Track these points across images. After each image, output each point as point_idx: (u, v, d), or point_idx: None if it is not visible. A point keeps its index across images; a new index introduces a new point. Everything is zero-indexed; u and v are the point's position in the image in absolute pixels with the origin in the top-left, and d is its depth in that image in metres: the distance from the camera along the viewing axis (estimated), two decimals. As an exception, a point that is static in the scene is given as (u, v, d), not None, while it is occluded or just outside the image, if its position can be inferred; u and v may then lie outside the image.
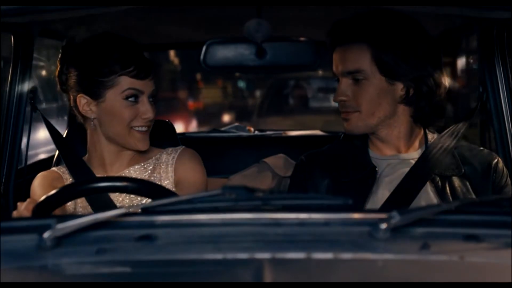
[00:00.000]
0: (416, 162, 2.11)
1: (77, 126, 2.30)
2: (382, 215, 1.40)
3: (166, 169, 2.20)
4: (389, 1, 1.93)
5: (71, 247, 1.37)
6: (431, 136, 2.20)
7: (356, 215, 1.45)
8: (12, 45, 2.49)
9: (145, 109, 2.12)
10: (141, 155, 2.22)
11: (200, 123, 12.90)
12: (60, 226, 1.37)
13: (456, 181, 2.11)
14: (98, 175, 2.18)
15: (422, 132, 2.19)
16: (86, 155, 2.25)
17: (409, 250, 1.34)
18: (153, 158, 2.23)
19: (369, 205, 2.07)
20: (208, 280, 1.24)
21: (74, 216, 1.80)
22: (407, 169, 2.10)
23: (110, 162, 2.20)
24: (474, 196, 2.09)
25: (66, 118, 3.28)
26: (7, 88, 2.51)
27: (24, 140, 2.53)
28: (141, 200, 2.12)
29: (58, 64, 2.19)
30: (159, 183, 2.16)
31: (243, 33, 2.10)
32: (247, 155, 3.12)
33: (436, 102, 2.12)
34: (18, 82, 2.51)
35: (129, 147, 2.17)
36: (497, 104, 2.39)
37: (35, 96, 2.49)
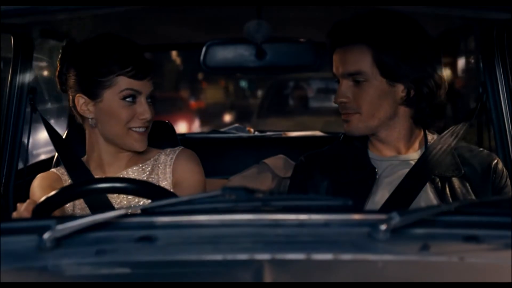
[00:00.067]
0: (416, 163, 2.11)
1: (77, 126, 2.30)
2: (382, 216, 1.40)
3: (164, 170, 2.20)
4: (389, 1, 1.93)
5: (71, 248, 1.37)
6: (431, 137, 2.20)
7: (356, 216, 1.45)
8: (12, 45, 2.49)
9: (143, 110, 2.12)
10: (139, 156, 2.22)
11: (202, 123, 12.93)
12: (60, 227, 1.37)
13: (456, 182, 2.11)
14: (96, 176, 2.18)
15: (422, 133, 2.19)
16: (85, 156, 2.25)
17: (409, 251, 1.34)
18: (152, 159, 2.23)
19: (369, 206, 2.07)
20: (208, 281, 1.24)
21: (74, 217, 1.79)
22: (406, 170, 2.10)
23: (108, 163, 2.20)
24: (474, 197, 2.09)
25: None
26: (7, 89, 2.51)
27: (24, 141, 2.54)
28: (138, 201, 2.12)
29: (58, 65, 2.20)
30: (157, 184, 2.15)
31: (243, 34, 2.10)
32: (247, 156, 3.12)
33: (436, 103, 2.12)
34: (18, 82, 2.51)
35: (126, 148, 2.17)
36: (497, 105, 2.39)
37: (34, 96, 2.49)
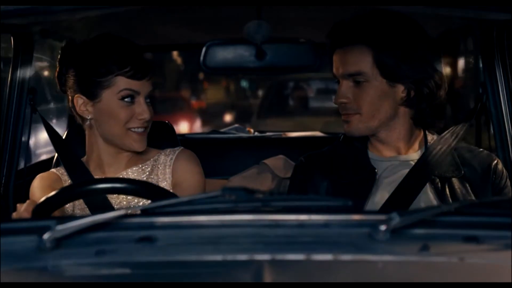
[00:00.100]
0: (416, 164, 2.11)
1: (77, 127, 2.30)
2: (382, 217, 1.40)
3: (164, 171, 2.20)
4: (389, 1, 1.93)
5: (71, 249, 1.37)
6: (431, 138, 2.20)
7: (356, 217, 1.45)
8: (12, 45, 2.50)
9: (141, 110, 2.12)
10: (139, 156, 2.22)
11: (203, 122, 12.95)
12: (60, 227, 1.37)
13: (456, 183, 2.11)
14: (96, 176, 2.18)
15: (422, 133, 2.19)
16: (85, 157, 2.25)
17: (409, 251, 1.34)
18: (151, 159, 2.23)
19: (368, 207, 2.07)
20: (208, 281, 1.24)
21: (73, 217, 1.80)
22: (406, 171, 2.10)
23: (108, 163, 2.20)
24: (473, 198, 2.09)
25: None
26: (7, 89, 2.51)
27: (24, 141, 2.54)
28: (138, 202, 2.12)
29: (58, 65, 2.20)
30: (157, 184, 2.15)
31: (243, 34, 2.10)
32: (247, 157, 3.12)
33: (436, 104, 2.12)
34: (18, 83, 2.51)
35: (125, 148, 2.17)
36: (497, 106, 2.39)
37: (34, 97, 2.49)
